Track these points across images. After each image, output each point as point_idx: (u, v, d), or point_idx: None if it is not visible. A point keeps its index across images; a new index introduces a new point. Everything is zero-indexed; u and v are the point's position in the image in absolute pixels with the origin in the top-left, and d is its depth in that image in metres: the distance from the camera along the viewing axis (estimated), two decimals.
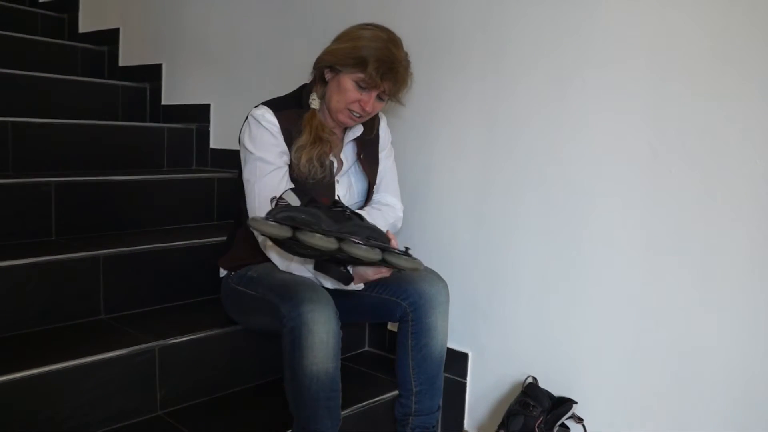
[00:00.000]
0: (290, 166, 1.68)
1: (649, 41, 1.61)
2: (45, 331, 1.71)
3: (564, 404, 1.75)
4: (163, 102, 2.92)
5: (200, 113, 2.74)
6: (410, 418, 1.76)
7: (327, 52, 1.67)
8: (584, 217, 1.74)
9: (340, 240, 1.41)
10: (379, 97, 1.67)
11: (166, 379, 1.67)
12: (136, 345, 1.63)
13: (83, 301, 1.81)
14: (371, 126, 1.81)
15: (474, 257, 1.96)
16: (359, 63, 1.60)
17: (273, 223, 1.36)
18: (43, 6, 3.51)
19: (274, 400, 1.77)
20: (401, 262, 1.47)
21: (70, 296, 1.78)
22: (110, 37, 3.15)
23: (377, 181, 1.86)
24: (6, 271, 1.67)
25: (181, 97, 2.85)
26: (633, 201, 1.66)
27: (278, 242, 1.45)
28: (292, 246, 1.44)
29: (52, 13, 3.40)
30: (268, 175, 1.64)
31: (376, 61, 1.59)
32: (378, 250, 1.45)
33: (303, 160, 1.65)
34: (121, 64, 3.11)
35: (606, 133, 1.69)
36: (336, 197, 1.74)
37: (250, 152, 1.66)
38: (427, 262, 1.85)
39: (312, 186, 1.67)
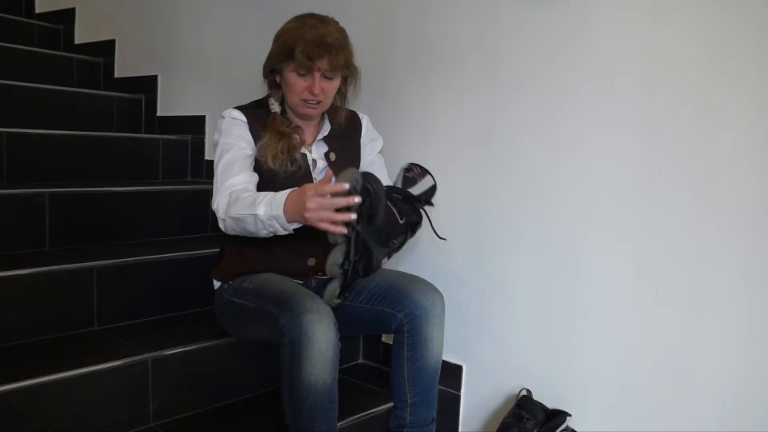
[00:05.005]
0: (260, 163, 1.71)
1: (641, 56, 1.63)
2: (38, 342, 1.71)
3: (558, 417, 1.75)
4: (159, 113, 2.92)
5: (195, 125, 2.75)
6: (405, 430, 1.76)
7: (266, 59, 1.73)
8: (578, 230, 1.75)
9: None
10: (326, 77, 1.68)
11: (159, 390, 1.66)
12: (129, 356, 1.62)
13: (76, 313, 1.80)
14: (335, 119, 1.82)
15: (469, 270, 1.96)
16: (288, 53, 1.65)
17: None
18: (39, 17, 3.52)
19: (268, 412, 1.77)
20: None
21: (63, 307, 1.77)
22: (106, 48, 3.15)
23: None
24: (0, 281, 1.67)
25: (177, 109, 2.86)
26: (627, 215, 1.67)
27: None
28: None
29: (48, 24, 3.41)
30: (229, 154, 1.69)
31: (301, 44, 1.62)
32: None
33: (269, 157, 1.69)
34: (116, 75, 3.12)
35: (599, 147, 1.70)
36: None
37: (216, 141, 1.73)
38: (423, 273, 1.85)
39: (284, 179, 1.70)
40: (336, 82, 1.72)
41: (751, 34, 1.48)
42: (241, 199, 1.57)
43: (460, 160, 1.97)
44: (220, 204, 1.62)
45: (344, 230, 1.43)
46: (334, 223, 1.42)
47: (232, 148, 1.70)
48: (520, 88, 1.83)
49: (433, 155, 2.02)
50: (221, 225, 1.63)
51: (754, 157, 1.49)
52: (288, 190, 1.51)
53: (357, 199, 1.40)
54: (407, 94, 2.07)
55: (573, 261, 1.77)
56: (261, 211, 1.50)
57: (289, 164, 1.70)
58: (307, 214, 1.42)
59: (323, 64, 1.65)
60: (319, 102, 1.70)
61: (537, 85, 1.80)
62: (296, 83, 1.68)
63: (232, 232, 1.62)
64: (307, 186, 1.46)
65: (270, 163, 1.69)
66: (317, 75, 1.66)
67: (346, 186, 1.41)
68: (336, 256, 1.54)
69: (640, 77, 1.63)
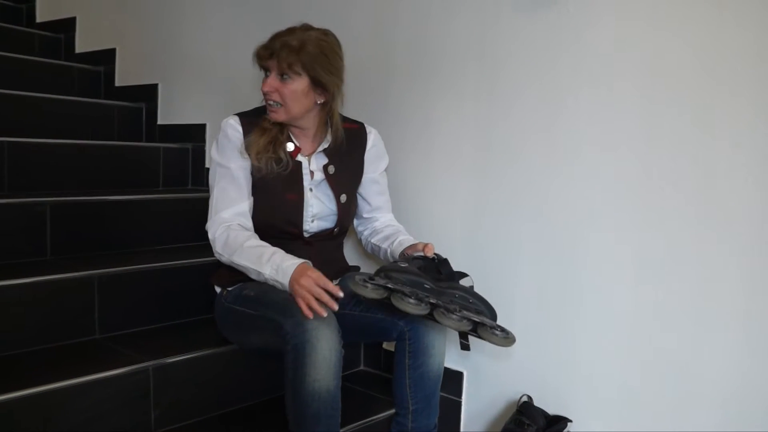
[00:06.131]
0: (254, 173, 1.74)
1: (640, 62, 1.64)
2: (39, 351, 1.70)
3: (559, 423, 1.75)
4: (159, 122, 2.93)
5: (196, 133, 2.76)
6: None
7: None
8: (578, 235, 1.75)
9: (432, 307, 1.49)
10: (283, 76, 1.67)
11: (160, 398, 1.66)
12: (130, 365, 1.62)
13: (78, 321, 1.80)
14: (337, 131, 1.79)
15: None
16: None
17: (370, 286, 1.48)
18: (40, 26, 3.53)
19: (269, 420, 1.77)
20: (493, 338, 1.52)
21: (64, 316, 1.77)
22: (106, 57, 3.16)
23: (378, 204, 1.91)
24: (1, 291, 1.66)
25: (177, 117, 2.86)
26: (626, 221, 1.67)
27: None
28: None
29: (49, 34, 3.42)
30: (225, 181, 1.73)
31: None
32: (469, 322, 1.51)
33: (253, 155, 1.71)
34: (117, 84, 3.12)
35: (599, 153, 1.71)
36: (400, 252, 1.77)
37: (213, 158, 1.76)
38: None
39: (274, 184, 1.72)
40: (294, 84, 1.67)
41: (749, 40, 1.49)
42: (245, 247, 1.64)
43: (461, 167, 1.97)
44: (217, 239, 1.70)
45: (310, 314, 1.50)
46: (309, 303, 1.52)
47: (227, 173, 1.72)
48: (520, 94, 1.84)
49: (434, 162, 2.03)
50: (216, 256, 1.72)
51: (753, 161, 1.49)
52: (296, 262, 1.58)
53: (340, 294, 1.53)
54: (409, 103, 2.08)
55: (573, 266, 1.77)
56: (266, 271, 1.60)
57: (273, 163, 1.71)
58: (295, 287, 1.54)
59: (273, 63, 1.67)
60: (279, 105, 1.69)
61: (537, 91, 1.81)
62: (262, 85, 1.70)
63: (225, 263, 1.71)
64: (312, 272, 1.55)
65: (254, 160, 1.71)
66: (273, 74, 1.68)
67: (341, 295, 1.53)
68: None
69: (639, 83, 1.64)
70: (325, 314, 1.50)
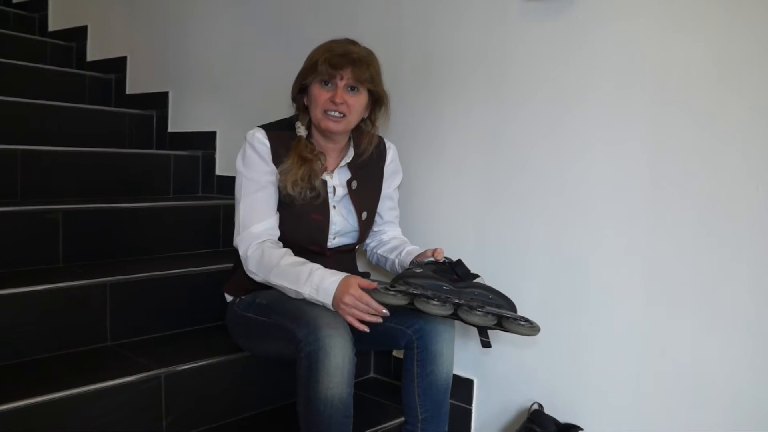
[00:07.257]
0: (280, 188, 1.72)
1: (649, 68, 1.63)
2: (51, 358, 1.71)
3: (570, 431, 1.74)
4: (170, 129, 2.95)
5: (206, 140, 2.77)
6: None
7: (294, 82, 1.75)
8: (587, 242, 1.75)
9: (456, 306, 1.52)
10: (352, 88, 1.69)
11: (172, 406, 1.67)
12: (142, 372, 1.63)
13: (90, 328, 1.81)
14: (360, 144, 1.81)
15: None
16: (313, 67, 1.67)
17: (392, 293, 1.52)
18: (52, 35, 3.57)
19: (281, 427, 1.77)
20: (519, 329, 1.53)
21: (76, 323, 1.78)
22: (118, 65, 3.19)
23: (389, 218, 1.92)
24: (14, 297, 1.68)
25: (188, 125, 2.88)
26: (636, 226, 1.67)
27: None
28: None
29: (61, 42, 3.45)
30: (253, 194, 1.71)
31: (325, 53, 1.66)
32: (493, 316, 1.53)
33: (289, 183, 1.69)
34: (128, 92, 3.15)
35: (607, 158, 1.71)
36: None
37: (239, 171, 1.74)
38: None
39: (302, 206, 1.71)
40: (361, 98, 1.71)
41: (760, 45, 1.48)
42: (281, 266, 1.63)
43: (470, 172, 1.97)
44: (250, 257, 1.68)
45: (366, 329, 1.56)
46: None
47: (255, 187, 1.71)
48: (528, 99, 1.84)
49: (443, 167, 2.03)
50: (249, 274, 1.70)
51: (764, 167, 1.49)
52: (336, 279, 1.57)
53: (385, 311, 1.55)
54: (417, 109, 2.08)
55: (582, 273, 1.77)
56: (306, 291, 1.59)
57: (308, 191, 1.71)
58: (342, 305, 1.55)
59: (347, 74, 1.66)
60: (343, 116, 1.69)
61: (544, 96, 1.81)
62: (320, 94, 1.68)
63: (260, 281, 1.70)
64: (353, 282, 1.55)
65: (289, 189, 1.69)
66: (340, 84, 1.67)
67: (386, 312, 1.55)
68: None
69: (647, 89, 1.64)
70: (367, 330, 1.55)
